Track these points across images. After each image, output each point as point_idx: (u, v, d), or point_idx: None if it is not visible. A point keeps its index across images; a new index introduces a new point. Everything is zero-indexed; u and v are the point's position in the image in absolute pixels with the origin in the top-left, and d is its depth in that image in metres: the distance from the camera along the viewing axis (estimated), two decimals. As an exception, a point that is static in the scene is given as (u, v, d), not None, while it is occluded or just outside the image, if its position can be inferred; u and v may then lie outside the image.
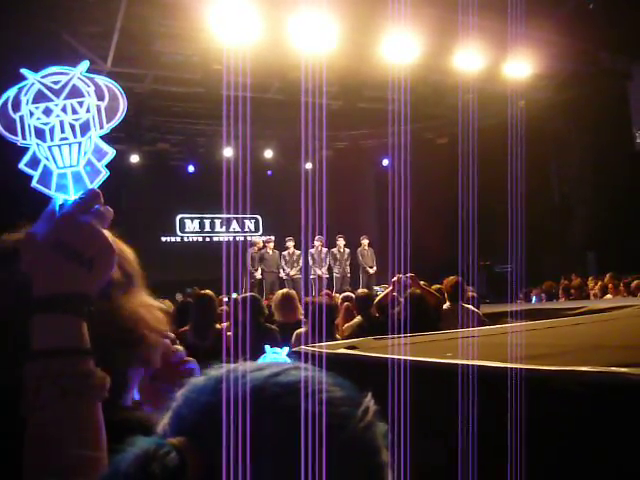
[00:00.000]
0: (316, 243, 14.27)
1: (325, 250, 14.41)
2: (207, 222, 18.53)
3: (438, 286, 6.50)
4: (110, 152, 1.09)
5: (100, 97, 1.12)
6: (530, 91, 13.63)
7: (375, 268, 14.94)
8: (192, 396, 0.64)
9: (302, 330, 5.05)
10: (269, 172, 17.75)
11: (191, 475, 0.56)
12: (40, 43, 9.19)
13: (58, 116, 1.06)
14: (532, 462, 1.19)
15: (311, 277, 14.12)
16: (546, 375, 1.39)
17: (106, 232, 0.96)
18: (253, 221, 18.80)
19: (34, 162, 1.04)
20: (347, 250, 14.84)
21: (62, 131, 1.08)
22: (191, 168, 18.02)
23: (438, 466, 1.43)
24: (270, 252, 14.72)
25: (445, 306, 5.97)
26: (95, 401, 0.87)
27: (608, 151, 14.30)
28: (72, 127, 1.08)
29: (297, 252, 14.64)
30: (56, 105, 1.07)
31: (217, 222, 18.55)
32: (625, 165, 14.13)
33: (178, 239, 18.29)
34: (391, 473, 0.64)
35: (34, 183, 1.03)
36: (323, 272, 14.38)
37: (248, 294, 5.45)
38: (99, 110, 1.12)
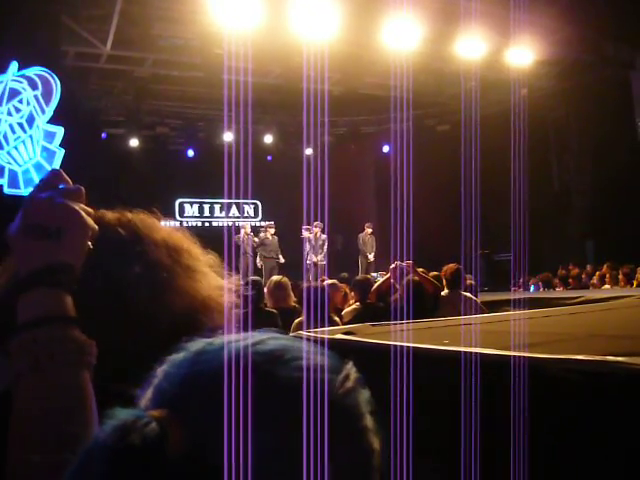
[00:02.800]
0: (314, 229, 14.27)
1: (324, 237, 14.42)
2: (206, 207, 18.53)
3: (436, 273, 6.51)
4: (58, 131, 1.08)
5: (34, 87, 1.10)
6: (532, 79, 13.58)
7: (373, 255, 14.97)
8: (172, 370, 0.63)
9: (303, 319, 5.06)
10: (269, 157, 17.73)
11: (172, 446, 0.55)
12: (39, 26, 9.14)
13: (6, 121, 1.06)
14: (533, 449, 1.20)
15: (307, 263, 14.13)
16: (542, 363, 1.39)
17: (76, 204, 0.95)
18: (252, 206, 18.79)
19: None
20: (323, 236, 14.76)
21: (13, 132, 1.07)
22: (190, 152, 18.00)
23: (441, 453, 1.44)
24: (270, 237, 14.72)
25: (443, 293, 5.98)
26: (78, 369, 0.86)
27: (609, 140, 14.27)
28: (20, 125, 1.08)
29: (323, 236, 14.57)
30: (1, 113, 1.07)
31: (216, 207, 18.55)
32: (626, 155, 14.11)
33: (177, 224, 18.29)
34: (377, 439, 0.63)
35: (6, 190, 1.03)
36: (319, 259, 14.41)
37: (250, 278, 5.46)
38: (37, 99, 1.10)
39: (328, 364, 0.62)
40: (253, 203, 18.66)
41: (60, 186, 0.97)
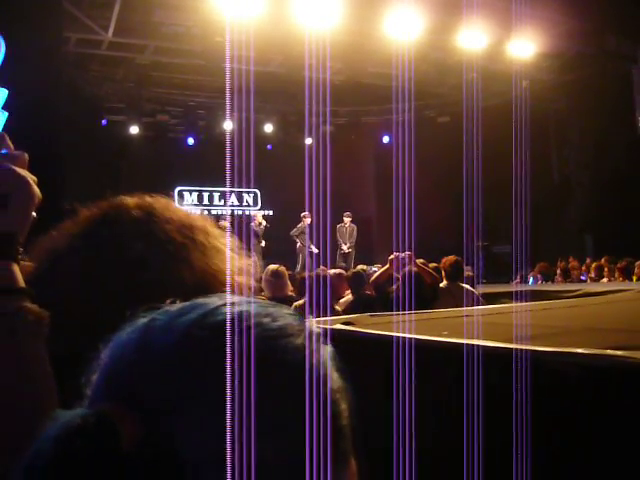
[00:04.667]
0: (345, 219, 14.74)
1: (353, 226, 14.60)
2: (205, 195, 18.51)
3: (435, 265, 6.52)
4: (1, 93, 1.06)
5: None
6: (534, 71, 13.56)
7: (348, 246, 14.98)
8: (116, 353, 0.56)
9: (301, 302, 5.07)
10: (269, 146, 17.70)
11: (126, 440, 0.48)
12: (40, 11, 9.09)
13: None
14: (535, 441, 1.21)
15: (308, 251, 14.13)
16: (544, 356, 1.40)
17: (22, 171, 0.92)
18: (252, 195, 18.77)
19: None
20: (353, 225, 15.01)
21: None
22: (191, 140, 17.96)
23: (443, 444, 1.45)
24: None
25: (442, 285, 5.99)
26: (36, 340, 0.84)
27: (609, 134, 14.27)
28: None
29: (352, 226, 14.88)
30: None
31: (215, 195, 18.53)
32: (625, 149, 14.11)
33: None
34: (344, 399, 0.57)
35: None
36: (346, 248, 14.60)
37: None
38: None
39: (286, 325, 0.57)
40: (252, 192, 18.62)
41: (3, 151, 0.94)
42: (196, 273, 1.01)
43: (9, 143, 0.95)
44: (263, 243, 14.48)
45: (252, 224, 14.62)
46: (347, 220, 15.01)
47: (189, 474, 0.50)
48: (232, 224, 14.80)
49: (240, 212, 18.20)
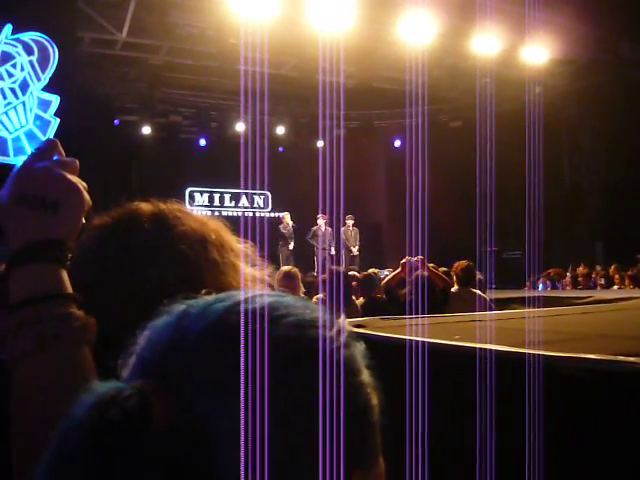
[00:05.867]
0: (347, 222, 14.56)
1: (330, 230, 14.47)
2: (216, 196, 18.54)
3: (445, 269, 6.52)
4: (53, 99, 1.06)
5: (30, 52, 1.08)
6: (547, 77, 13.53)
7: (357, 249, 14.99)
8: (153, 337, 0.59)
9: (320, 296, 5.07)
10: (280, 149, 17.72)
11: (158, 418, 0.51)
12: (55, 10, 9.14)
13: (-3, 85, 1.03)
14: (547, 446, 1.21)
15: (322, 253, 14.17)
16: (556, 361, 1.41)
17: (74, 178, 0.93)
18: (262, 197, 18.79)
19: None
20: (356, 229, 14.97)
21: (4, 97, 1.05)
22: (202, 142, 18.00)
23: (456, 449, 1.45)
24: (323, 229, 14.77)
25: (453, 289, 5.99)
26: (79, 346, 0.84)
27: (621, 141, 14.21)
28: (12, 90, 1.05)
29: (355, 229, 14.90)
30: (-9, 76, 1.04)
31: (226, 197, 18.56)
32: (637, 156, 14.04)
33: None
34: (375, 394, 0.59)
35: None
36: (355, 251, 14.74)
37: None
38: (32, 65, 1.07)
39: (320, 319, 0.59)
40: (263, 194, 18.64)
41: (55, 157, 0.95)
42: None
43: (60, 149, 0.96)
44: (292, 245, 14.52)
45: (280, 226, 14.68)
46: (350, 223, 14.99)
47: (218, 455, 0.52)
48: (253, 226, 14.82)
49: (265, 214, 18.18)
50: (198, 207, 18.33)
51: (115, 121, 16.13)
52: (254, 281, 1.05)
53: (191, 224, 1.07)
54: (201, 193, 18.41)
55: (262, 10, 9.75)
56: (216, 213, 18.35)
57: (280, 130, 17.49)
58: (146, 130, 16.38)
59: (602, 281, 11.46)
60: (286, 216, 14.96)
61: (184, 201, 18.08)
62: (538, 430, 1.20)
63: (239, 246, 1.10)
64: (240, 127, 16.12)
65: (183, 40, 12.79)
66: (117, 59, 14.34)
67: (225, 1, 10.24)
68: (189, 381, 0.54)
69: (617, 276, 10.98)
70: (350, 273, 7.00)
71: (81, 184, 0.94)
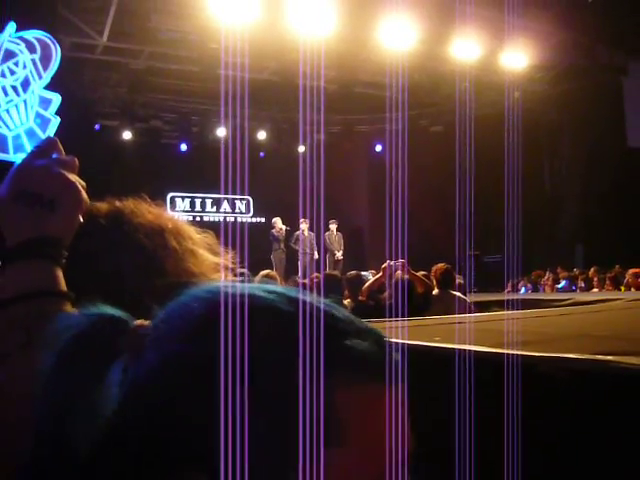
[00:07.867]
0: (331, 227, 14.64)
1: (312, 234, 14.47)
2: (198, 201, 18.48)
3: (424, 272, 6.54)
4: (54, 98, 1.05)
5: (32, 50, 1.07)
6: (526, 82, 13.65)
7: (342, 253, 15.03)
8: (164, 319, 0.61)
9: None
10: (261, 154, 17.71)
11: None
12: (35, 15, 9.08)
13: (-1, 82, 1.03)
14: (526, 446, 1.22)
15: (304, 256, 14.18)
16: (535, 361, 1.42)
17: (72, 176, 0.93)
18: (244, 202, 18.76)
19: None
20: (339, 233, 15.03)
21: (6, 95, 1.04)
22: (183, 147, 17.95)
23: (434, 449, 1.46)
24: (306, 234, 14.76)
25: (434, 292, 6.01)
26: None
27: (600, 146, 14.36)
28: (14, 88, 1.04)
29: (339, 234, 14.98)
30: (-6, 73, 1.03)
31: (208, 202, 18.50)
32: (616, 160, 14.20)
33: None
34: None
35: None
36: (338, 255, 14.82)
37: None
38: (34, 63, 1.06)
39: (354, 319, 0.61)
40: (245, 199, 18.61)
41: (54, 155, 0.95)
42: (170, 279, 0.99)
43: (60, 148, 0.96)
44: (284, 248, 14.57)
45: (272, 230, 14.68)
46: (333, 227, 15.01)
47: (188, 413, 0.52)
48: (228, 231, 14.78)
49: (247, 219, 18.14)
50: (179, 212, 18.25)
51: (96, 126, 16.04)
52: (217, 268, 1.05)
53: (147, 216, 1.08)
54: (182, 198, 18.34)
55: (243, 15, 9.76)
56: (197, 218, 18.30)
57: (261, 135, 17.48)
58: (127, 135, 16.31)
59: (581, 283, 11.55)
60: (278, 221, 14.94)
61: (166, 206, 17.98)
62: (517, 429, 1.20)
63: (198, 236, 1.11)
64: (221, 132, 16.09)
65: (164, 45, 12.76)
66: (98, 64, 14.27)
67: (206, 6, 10.24)
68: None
69: (596, 278, 11.07)
70: (334, 273, 7.01)
71: (79, 183, 0.94)
